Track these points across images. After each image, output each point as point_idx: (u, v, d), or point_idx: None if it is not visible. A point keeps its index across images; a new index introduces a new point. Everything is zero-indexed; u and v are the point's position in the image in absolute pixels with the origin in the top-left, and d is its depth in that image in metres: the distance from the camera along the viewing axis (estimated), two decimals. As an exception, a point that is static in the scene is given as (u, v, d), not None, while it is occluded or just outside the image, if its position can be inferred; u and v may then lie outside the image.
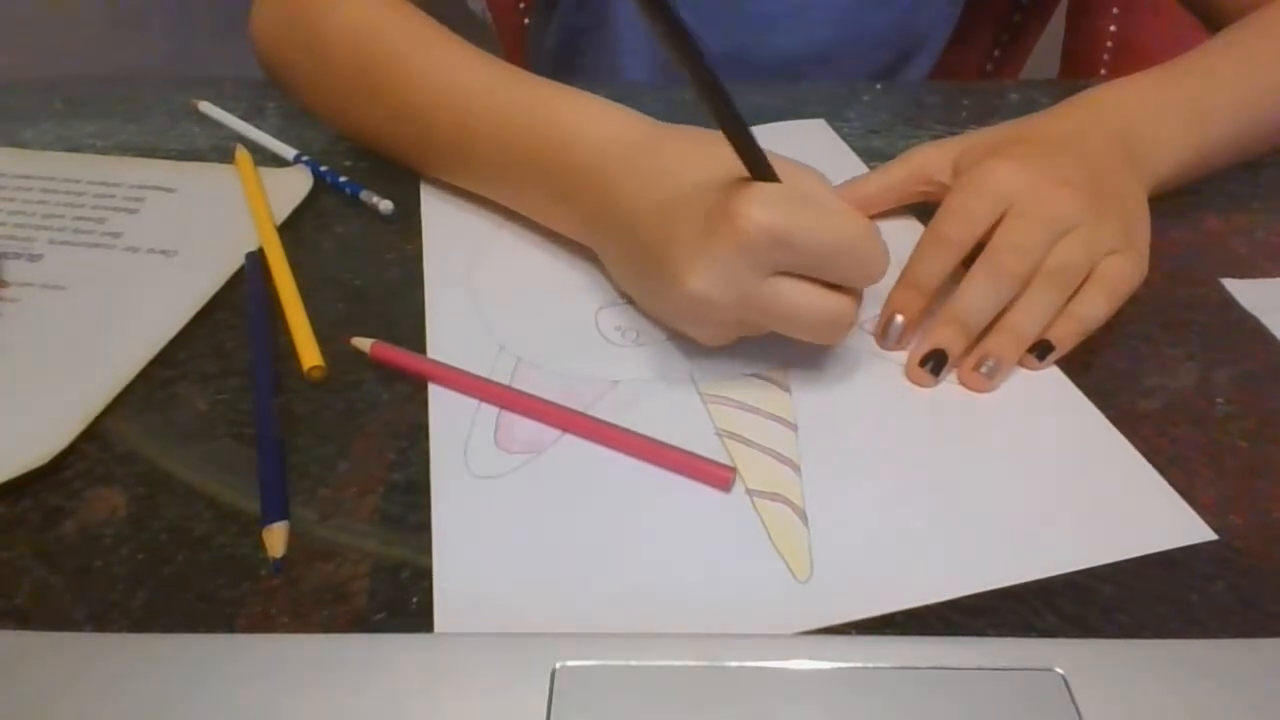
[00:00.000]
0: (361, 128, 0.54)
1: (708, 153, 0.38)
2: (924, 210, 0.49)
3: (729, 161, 0.36)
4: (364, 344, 0.40)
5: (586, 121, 0.43)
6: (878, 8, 0.70)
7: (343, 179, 0.52)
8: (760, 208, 0.35)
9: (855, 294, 0.38)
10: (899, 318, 0.42)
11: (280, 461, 0.36)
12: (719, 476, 0.35)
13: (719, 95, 0.33)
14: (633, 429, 0.37)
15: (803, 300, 0.37)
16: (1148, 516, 0.35)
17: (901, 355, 0.42)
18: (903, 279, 0.43)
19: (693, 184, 0.38)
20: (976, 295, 0.40)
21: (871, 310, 0.43)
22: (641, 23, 0.31)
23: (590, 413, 0.38)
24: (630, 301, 0.44)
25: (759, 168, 0.36)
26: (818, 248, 0.35)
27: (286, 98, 0.59)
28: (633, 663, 0.28)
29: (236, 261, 0.46)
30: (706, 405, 0.39)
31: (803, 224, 0.35)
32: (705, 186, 0.37)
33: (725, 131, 0.35)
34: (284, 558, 0.32)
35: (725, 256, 0.36)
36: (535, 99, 0.45)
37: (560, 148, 0.43)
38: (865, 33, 0.71)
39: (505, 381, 0.39)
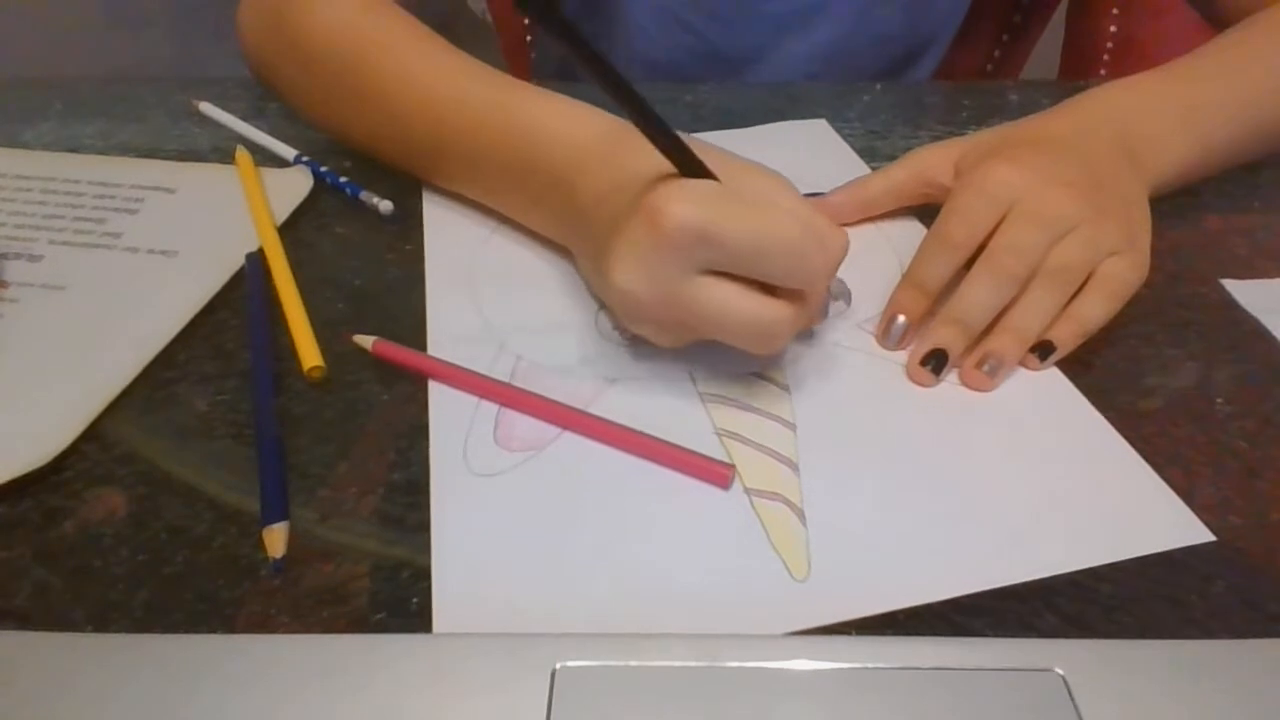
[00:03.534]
0: (344, 129, 0.54)
1: None
2: (925, 211, 0.49)
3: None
4: (366, 341, 0.41)
5: (556, 122, 0.43)
6: (887, 7, 0.70)
7: (343, 179, 0.52)
8: (679, 202, 0.34)
9: (797, 299, 0.36)
10: (901, 318, 0.42)
11: (280, 461, 0.36)
12: (718, 474, 0.35)
13: (629, 95, 0.32)
14: (632, 427, 0.37)
15: (729, 301, 0.35)
16: (1147, 517, 0.35)
17: (901, 355, 0.41)
18: (906, 280, 0.43)
19: (635, 179, 0.37)
20: (978, 295, 0.40)
21: (873, 310, 0.43)
22: (544, 30, 0.31)
23: (590, 411, 0.38)
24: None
25: (687, 164, 0.35)
26: (740, 243, 0.34)
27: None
28: (633, 663, 0.27)
29: (236, 262, 0.46)
30: (705, 404, 0.39)
31: (723, 218, 0.34)
32: (641, 181, 0.36)
33: (641, 129, 0.34)
34: (284, 558, 0.32)
35: (645, 251, 0.35)
36: (509, 100, 0.45)
37: (534, 150, 0.43)
38: (875, 33, 0.71)
39: (505, 379, 0.39)
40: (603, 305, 0.44)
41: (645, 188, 0.35)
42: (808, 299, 0.37)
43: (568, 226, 0.43)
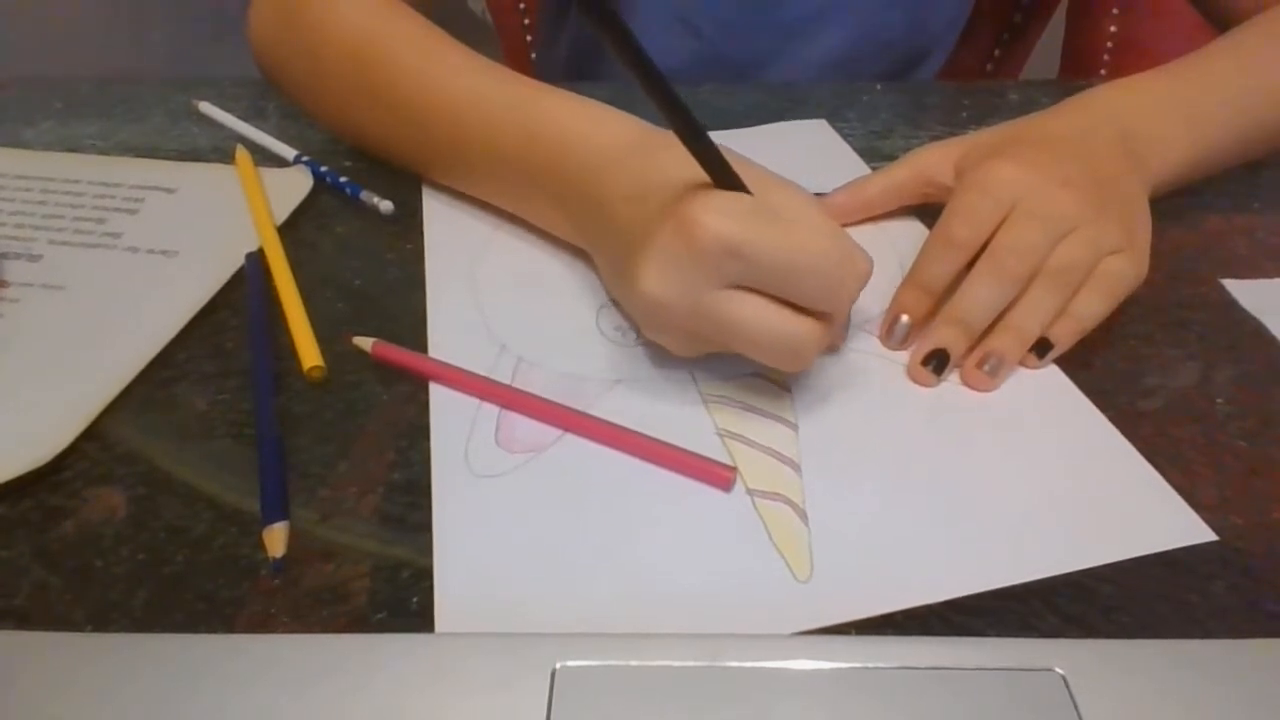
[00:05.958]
0: (359, 131, 0.54)
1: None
2: (926, 211, 0.49)
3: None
4: (365, 343, 0.40)
5: (581, 124, 0.43)
6: (894, 10, 0.70)
7: (343, 179, 0.52)
8: (715, 215, 0.34)
9: (824, 319, 0.36)
10: (905, 318, 0.42)
11: (280, 461, 0.36)
12: (720, 476, 0.35)
13: (673, 103, 0.32)
14: (633, 429, 0.37)
15: (757, 317, 0.35)
16: (1148, 516, 0.35)
17: (902, 355, 0.42)
18: (909, 280, 0.43)
19: (667, 184, 0.37)
20: (980, 295, 0.40)
21: (874, 311, 0.43)
22: (594, 33, 0.31)
23: (591, 412, 0.38)
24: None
25: (723, 176, 0.35)
26: (773, 261, 0.34)
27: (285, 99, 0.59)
28: (633, 663, 0.27)
29: (236, 261, 0.46)
30: (707, 405, 0.39)
31: (758, 235, 0.33)
32: (674, 188, 0.36)
33: (682, 139, 0.34)
34: (284, 558, 0.32)
35: (675, 261, 0.34)
36: (529, 103, 0.45)
37: (555, 151, 0.43)
38: (880, 39, 0.71)
39: (506, 381, 0.39)
40: (607, 305, 0.44)
41: (678, 195, 0.35)
42: (834, 318, 0.37)
43: (589, 227, 0.43)
